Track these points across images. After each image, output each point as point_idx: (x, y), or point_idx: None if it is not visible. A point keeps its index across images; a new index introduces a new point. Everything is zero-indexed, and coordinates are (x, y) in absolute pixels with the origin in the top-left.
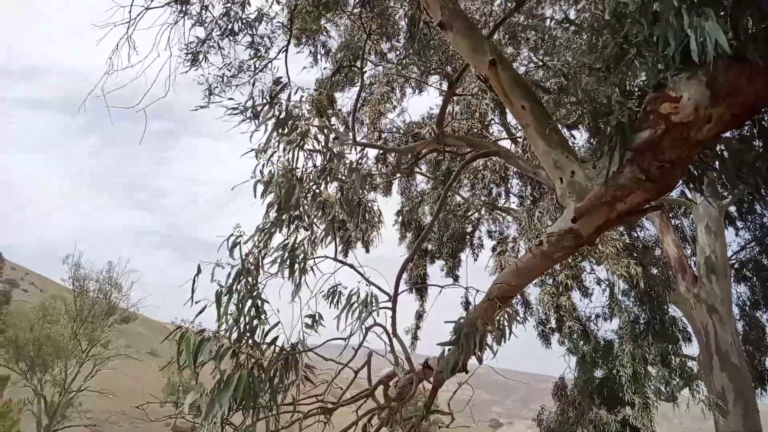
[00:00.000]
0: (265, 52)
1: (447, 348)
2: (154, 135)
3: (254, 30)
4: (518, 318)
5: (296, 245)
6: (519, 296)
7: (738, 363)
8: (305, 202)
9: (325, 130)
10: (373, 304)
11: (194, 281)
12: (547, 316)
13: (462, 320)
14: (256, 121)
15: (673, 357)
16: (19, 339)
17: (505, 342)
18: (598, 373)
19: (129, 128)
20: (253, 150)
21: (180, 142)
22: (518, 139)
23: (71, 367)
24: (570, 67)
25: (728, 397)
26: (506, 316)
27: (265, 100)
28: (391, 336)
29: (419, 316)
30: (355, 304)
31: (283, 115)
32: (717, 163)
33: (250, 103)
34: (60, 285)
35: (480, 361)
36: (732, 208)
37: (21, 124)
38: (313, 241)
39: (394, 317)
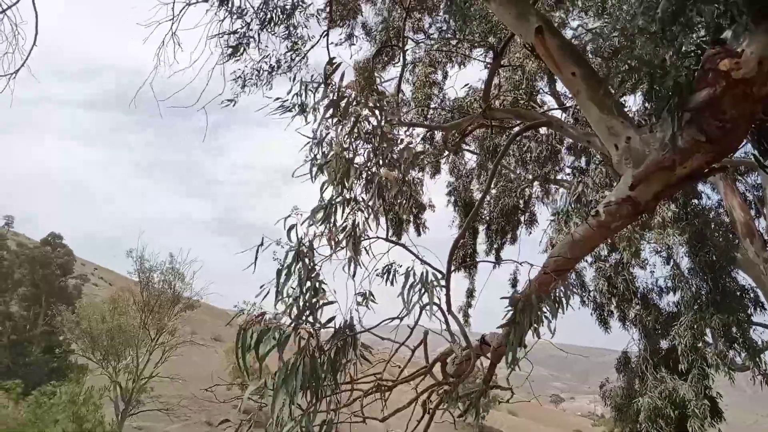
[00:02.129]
0: (302, 44)
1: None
2: (206, 126)
3: (292, 19)
4: (575, 290)
5: (355, 226)
6: (575, 277)
7: None
8: (359, 183)
9: (377, 111)
10: (434, 282)
11: (257, 252)
12: (604, 297)
13: (517, 295)
14: (304, 113)
15: (735, 328)
16: (93, 330)
17: (563, 313)
18: (664, 344)
19: (181, 121)
20: (308, 137)
21: (231, 130)
22: (569, 109)
23: (142, 355)
24: (623, 29)
25: None
26: (562, 288)
27: (316, 84)
28: (446, 314)
29: (470, 293)
30: (415, 282)
31: (335, 97)
32: None
33: (296, 98)
34: (127, 278)
35: (538, 335)
36: None
37: (81, 124)
38: (368, 222)
39: (448, 295)
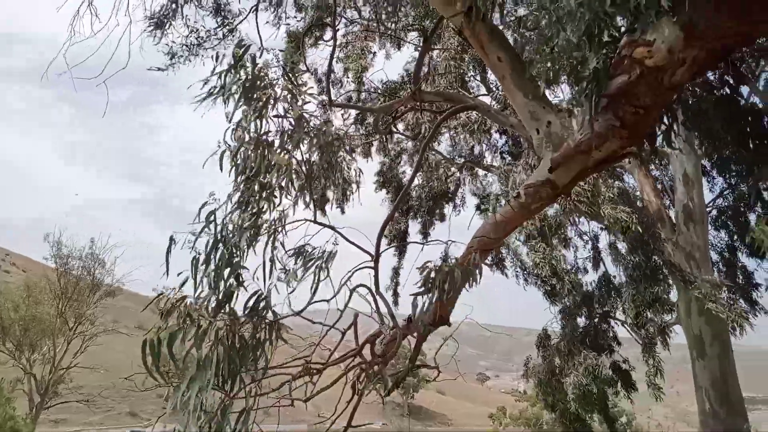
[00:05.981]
0: (232, 19)
1: (422, 301)
2: (130, 102)
3: None
4: (487, 261)
5: (263, 212)
6: (512, 253)
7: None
8: (274, 169)
9: (294, 91)
10: (329, 259)
11: (168, 250)
12: (543, 272)
13: (429, 265)
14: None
15: (657, 304)
16: (5, 320)
17: (476, 283)
18: (580, 321)
19: (103, 97)
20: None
21: (158, 106)
22: (498, 96)
23: (60, 345)
24: (547, 19)
25: (705, 340)
26: (476, 256)
27: (229, 66)
28: (375, 295)
29: (395, 272)
30: (314, 259)
31: (249, 79)
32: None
33: (218, 81)
34: (43, 264)
35: (452, 304)
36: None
37: None
38: (284, 208)
39: (376, 276)
